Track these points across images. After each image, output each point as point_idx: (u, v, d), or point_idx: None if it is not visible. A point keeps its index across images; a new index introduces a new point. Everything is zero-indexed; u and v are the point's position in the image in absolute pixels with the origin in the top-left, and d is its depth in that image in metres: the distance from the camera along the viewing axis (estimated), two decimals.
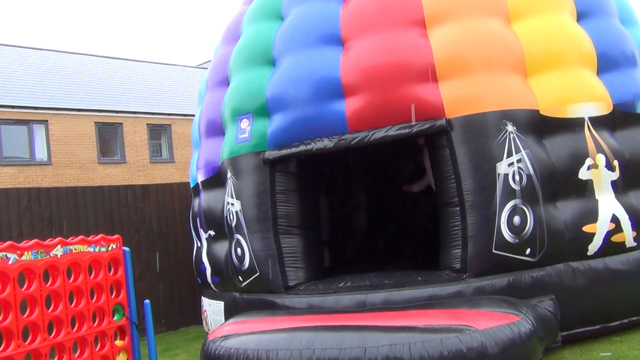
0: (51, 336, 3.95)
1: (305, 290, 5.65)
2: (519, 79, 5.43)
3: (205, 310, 6.99)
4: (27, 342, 3.80)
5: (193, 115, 21.47)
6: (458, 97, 5.24)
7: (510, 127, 5.15)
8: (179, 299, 8.63)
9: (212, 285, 6.78)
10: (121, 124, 20.12)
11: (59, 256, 4.04)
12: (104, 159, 19.59)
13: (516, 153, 5.12)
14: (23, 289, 3.80)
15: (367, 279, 5.56)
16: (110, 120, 19.85)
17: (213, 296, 6.74)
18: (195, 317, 8.62)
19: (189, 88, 24.50)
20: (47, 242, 4.01)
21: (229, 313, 6.13)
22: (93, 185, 8.30)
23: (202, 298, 7.19)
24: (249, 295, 6.01)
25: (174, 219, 8.75)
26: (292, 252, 5.84)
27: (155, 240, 8.51)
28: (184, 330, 8.45)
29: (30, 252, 3.83)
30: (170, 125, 21.46)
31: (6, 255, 3.67)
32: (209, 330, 6.89)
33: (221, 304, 6.45)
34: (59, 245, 4.06)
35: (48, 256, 3.95)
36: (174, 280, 8.61)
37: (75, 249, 4.18)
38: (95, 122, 19.43)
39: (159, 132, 21.38)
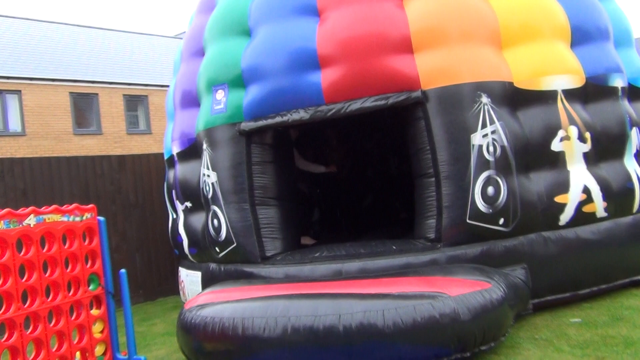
0: (26, 305, 3.94)
1: (282, 260, 5.69)
2: (494, 51, 5.45)
3: (182, 281, 7.02)
4: (1, 311, 3.79)
5: (169, 86, 21.12)
6: (434, 69, 5.25)
7: (484, 99, 5.19)
8: (156, 270, 8.64)
9: (189, 256, 6.80)
10: (97, 94, 19.81)
11: (32, 225, 4.00)
12: (80, 130, 19.32)
13: (490, 124, 5.17)
14: None
15: (343, 249, 5.62)
16: (85, 91, 19.53)
17: (190, 267, 6.76)
18: (173, 287, 8.64)
19: (166, 58, 24.15)
20: (19, 211, 3.97)
21: (206, 283, 6.16)
22: (68, 156, 8.19)
23: (180, 269, 7.21)
24: (226, 265, 6.04)
25: (150, 190, 8.71)
26: (269, 223, 5.86)
27: (132, 211, 8.48)
28: (161, 301, 8.48)
29: (2, 222, 3.80)
30: (147, 96, 21.20)
31: None
32: (186, 300, 6.92)
33: (198, 274, 6.47)
34: (32, 215, 4.02)
35: (21, 225, 3.92)
36: (151, 251, 8.61)
37: (49, 219, 4.15)
38: (70, 93, 19.11)
39: (135, 103, 21.10)
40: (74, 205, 4.42)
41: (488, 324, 4.24)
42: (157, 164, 8.85)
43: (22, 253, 3.97)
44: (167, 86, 21.36)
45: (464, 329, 4.10)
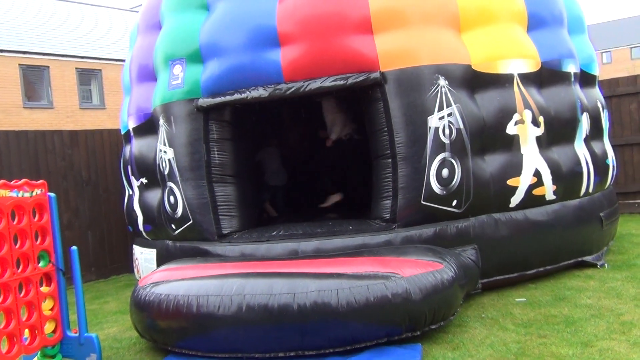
0: None
1: (239, 238, 5.68)
2: (453, 34, 5.51)
3: (136, 259, 6.92)
4: None
5: (125, 61, 20.69)
6: (393, 50, 5.27)
7: (442, 82, 5.25)
8: (109, 248, 8.51)
9: (144, 234, 6.70)
10: (48, 67, 19.15)
11: None
12: (30, 104, 18.70)
13: (447, 107, 5.24)
14: None
15: (300, 228, 5.64)
16: (35, 63, 18.84)
17: (145, 244, 6.67)
18: (126, 265, 8.54)
19: (122, 32, 23.50)
20: None
21: (161, 261, 6.10)
22: (17, 130, 7.92)
23: (134, 246, 7.10)
24: (182, 243, 5.99)
25: (104, 166, 8.54)
26: (226, 200, 5.83)
27: (85, 188, 8.30)
28: (114, 279, 8.38)
29: None
30: (101, 70, 20.63)
31: None
32: (140, 278, 6.85)
33: (153, 251, 6.40)
34: None
35: None
36: (104, 229, 8.47)
37: None
38: (19, 65, 18.42)
39: (89, 77, 20.52)
40: (23, 180, 4.28)
41: (439, 303, 4.34)
42: (111, 140, 8.67)
43: None
44: (123, 60, 20.86)
45: (415, 309, 4.20)
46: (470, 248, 5.28)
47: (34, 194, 4.32)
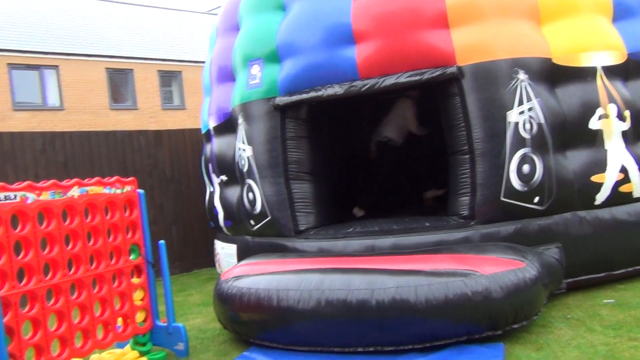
0: (70, 272, 4.10)
1: (316, 234, 5.77)
2: (532, 26, 5.35)
3: (218, 253, 7.18)
4: (48, 277, 3.96)
5: (203, 62, 21.34)
6: (470, 44, 5.18)
7: (521, 75, 5.12)
8: (192, 242, 8.84)
9: (224, 229, 6.94)
10: (132, 70, 20.09)
11: (75, 197, 4.15)
12: (116, 105, 19.67)
13: (527, 101, 5.11)
14: (43, 227, 3.93)
15: (376, 225, 5.66)
16: (121, 66, 19.81)
17: (225, 239, 6.90)
18: (208, 260, 8.84)
19: (199, 35, 24.28)
20: (64, 182, 4.11)
21: (241, 256, 6.29)
22: (106, 130, 8.38)
23: (215, 241, 7.37)
24: (260, 238, 6.16)
25: (186, 164, 8.87)
26: (303, 197, 5.94)
27: (168, 185, 8.66)
28: (197, 273, 8.70)
29: (48, 192, 3.94)
30: (181, 72, 21.40)
31: (25, 194, 3.78)
32: (221, 272, 7.09)
33: (233, 247, 6.61)
34: (76, 187, 4.16)
35: (65, 197, 4.07)
36: (186, 224, 8.81)
37: (92, 190, 4.29)
38: (106, 68, 19.43)
39: (169, 78, 21.35)
40: (115, 177, 4.55)
41: (521, 302, 4.24)
42: (192, 139, 9.00)
43: (66, 223, 4.12)
44: (201, 62, 21.56)
45: (496, 308, 4.12)
46: (554, 246, 5.12)
47: (124, 190, 4.58)
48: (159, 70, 20.81)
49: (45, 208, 3.93)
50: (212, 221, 7.40)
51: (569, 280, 5.21)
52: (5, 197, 3.62)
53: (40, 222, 3.92)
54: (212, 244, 8.76)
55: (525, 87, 5.11)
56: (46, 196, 3.91)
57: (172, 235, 8.53)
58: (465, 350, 4.09)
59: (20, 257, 3.76)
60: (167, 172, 8.68)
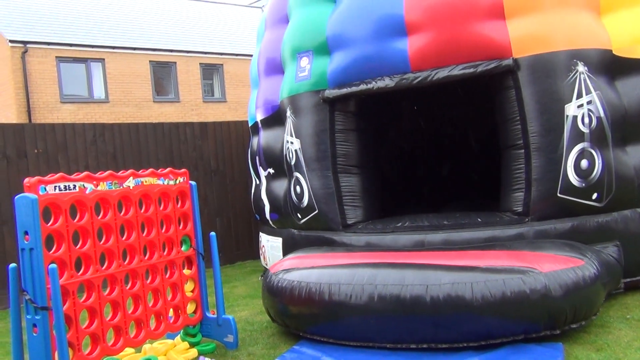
0: (125, 263, 4.15)
1: (364, 228, 5.71)
2: (591, 16, 5.17)
3: (263, 246, 7.19)
4: (104, 267, 4.01)
5: (244, 55, 21.30)
6: (526, 36, 5.03)
7: (581, 67, 4.94)
8: (235, 235, 8.90)
9: (270, 222, 6.93)
10: (175, 63, 20.32)
11: (131, 187, 4.18)
12: (159, 98, 19.94)
13: (586, 94, 4.93)
14: (99, 217, 3.98)
15: (426, 220, 5.56)
16: (164, 59, 20.06)
17: (271, 232, 6.90)
18: (250, 252, 8.91)
19: (241, 28, 24.40)
20: (120, 173, 4.15)
21: (287, 249, 6.28)
22: (154, 122, 8.49)
23: (260, 234, 7.37)
24: (307, 232, 6.12)
25: (230, 156, 8.92)
26: (351, 191, 5.88)
27: (213, 177, 8.72)
28: (240, 264, 8.75)
29: (105, 183, 3.99)
30: (222, 65, 21.55)
31: (83, 185, 3.83)
32: (266, 264, 7.10)
33: (279, 240, 6.60)
34: (131, 177, 4.20)
35: (121, 187, 4.11)
36: (230, 217, 8.87)
37: (146, 181, 4.32)
38: (150, 61, 19.69)
39: (211, 71, 21.52)
40: (168, 169, 4.58)
41: (580, 301, 4.11)
42: (236, 131, 9.04)
43: (122, 213, 4.16)
44: (242, 55, 21.62)
45: (555, 306, 4.00)
46: (612, 245, 4.95)
47: (177, 182, 4.60)
48: (201, 63, 21.00)
49: (103, 198, 3.97)
50: (257, 214, 7.41)
51: (627, 280, 5.04)
52: (65, 187, 3.66)
53: (96, 213, 3.96)
54: (255, 237, 8.81)
55: (585, 80, 4.93)
56: (103, 187, 3.96)
57: (216, 227, 8.59)
58: (523, 350, 3.98)
59: (78, 246, 3.82)
60: (212, 164, 8.74)
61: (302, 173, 6.00)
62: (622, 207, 5.05)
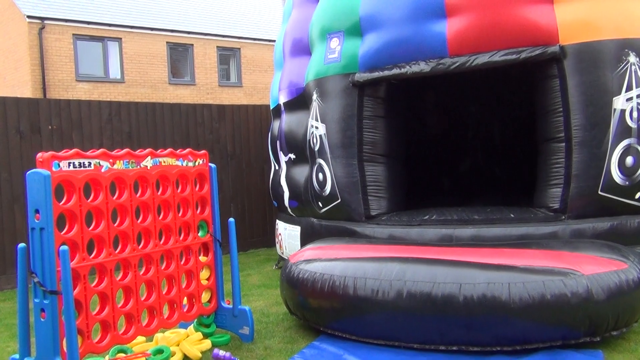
0: (140, 247, 3.91)
1: (388, 220, 5.43)
2: None
3: (279, 234, 6.93)
4: (118, 250, 3.77)
5: (262, 40, 20.96)
6: (576, 21, 4.71)
7: (632, 58, 4.62)
8: (249, 221, 8.67)
9: (289, 210, 6.67)
10: (192, 45, 20.05)
11: (149, 167, 3.94)
12: (175, 80, 19.70)
13: (637, 87, 4.62)
14: (114, 197, 3.74)
15: (455, 213, 5.28)
16: (181, 41, 19.80)
17: (289, 220, 6.64)
18: (264, 239, 8.68)
19: (260, 12, 24.06)
20: (137, 152, 3.91)
21: (305, 238, 6.02)
22: (171, 103, 8.24)
23: (277, 221, 7.12)
24: (328, 221, 5.85)
25: (247, 141, 8.67)
26: (376, 180, 5.60)
27: (229, 161, 8.48)
28: (253, 252, 8.53)
29: (122, 162, 3.74)
30: (239, 49, 21.24)
31: (99, 162, 3.59)
32: (282, 253, 6.86)
33: (298, 228, 6.35)
34: (149, 157, 3.95)
35: (139, 167, 3.86)
36: (245, 202, 8.63)
37: (164, 162, 4.07)
38: (167, 42, 19.44)
39: (227, 56, 21.23)
40: (187, 150, 4.32)
41: (623, 307, 3.83)
42: (254, 115, 8.79)
43: (138, 194, 3.92)
44: (259, 39, 21.27)
45: (598, 311, 3.73)
46: None
47: (196, 164, 4.35)
48: (218, 47, 20.70)
49: (118, 178, 3.73)
50: (275, 200, 7.15)
51: None
52: (80, 164, 3.42)
53: (111, 193, 3.72)
54: (270, 224, 8.57)
55: (636, 71, 4.62)
56: (120, 165, 3.71)
57: (230, 212, 8.36)
58: (560, 357, 3.72)
59: (91, 228, 3.58)
60: (229, 148, 8.49)
61: (325, 160, 5.72)
62: None
